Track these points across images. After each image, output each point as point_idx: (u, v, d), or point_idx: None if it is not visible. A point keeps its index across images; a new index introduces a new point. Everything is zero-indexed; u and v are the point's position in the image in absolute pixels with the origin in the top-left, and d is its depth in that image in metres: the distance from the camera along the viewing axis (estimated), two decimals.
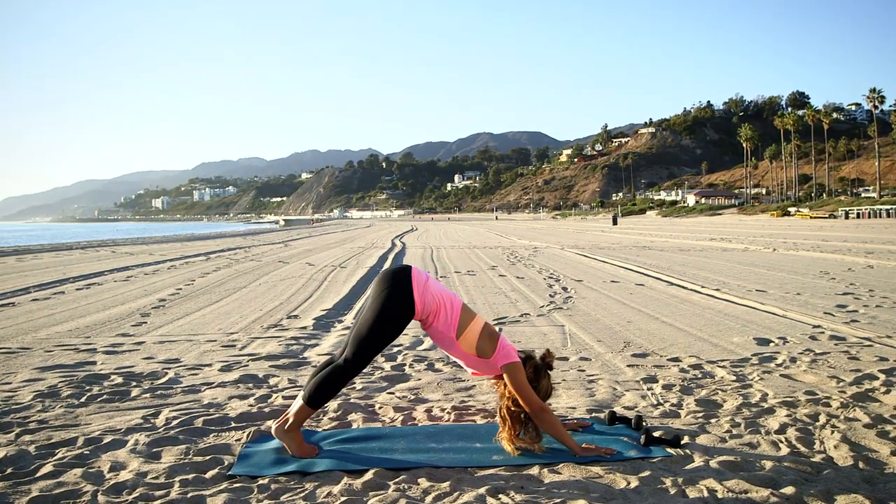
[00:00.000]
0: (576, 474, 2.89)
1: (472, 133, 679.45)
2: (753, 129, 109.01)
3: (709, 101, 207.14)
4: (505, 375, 3.20)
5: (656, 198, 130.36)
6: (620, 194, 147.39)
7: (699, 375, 4.62)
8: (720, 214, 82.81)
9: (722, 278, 10.85)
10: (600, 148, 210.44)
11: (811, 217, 58.63)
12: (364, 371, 4.82)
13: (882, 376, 4.47)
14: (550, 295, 9.10)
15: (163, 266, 14.51)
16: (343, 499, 2.67)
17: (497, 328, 3.47)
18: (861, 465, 2.95)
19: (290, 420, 3.20)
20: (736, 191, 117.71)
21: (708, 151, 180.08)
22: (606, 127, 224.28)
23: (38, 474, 2.92)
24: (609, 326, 6.62)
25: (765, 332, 6.20)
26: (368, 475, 2.87)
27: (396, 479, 2.84)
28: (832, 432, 3.36)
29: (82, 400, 4.11)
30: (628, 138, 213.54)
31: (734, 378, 4.51)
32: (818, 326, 6.42)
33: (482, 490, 2.71)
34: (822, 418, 3.59)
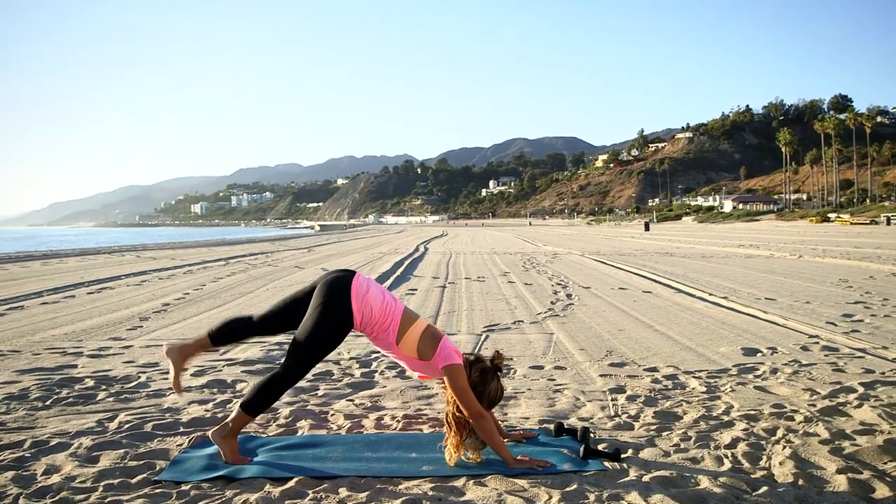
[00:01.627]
0: (500, 487, 2.84)
1: (508, 138, 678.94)
2: (793, 133, 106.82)
3: (748, 106, 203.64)
4: (445, 378, 3.15)
5: (693, 203, 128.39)
6: (656, 200, 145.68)
7: (670, 386, 4.51)
8: (757, 220, 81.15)
9: (734, 286, 10.62)
10: (636, 153, 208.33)
11: (851, 223, 57.14)
12: (332, 377, 4.85)
13: (860, 389, 4.31)
14: (552, 302, 9.00)
15: (179, 271, 14.73)
16: None
17: (443, 330, 3.39)
18: (801, 482, 2.84)
19: (229, 426, 3.20)
20: (775, 196, 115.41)
21: (747, 156, 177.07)
22: (643, 132, 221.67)
23: None
24: (599, 335, 6.52)
25: (757, 341, 6.04)
26: (291, 483, 2.86)
27: (317, 488, 2.82)
28: (783, 448, 3.24)
29: (47, 403, 4.17)
30: (665, 143, 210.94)
31: (704, 389, 4.39)
32: (814, 336, 6.24)
33: (398, 502, 2.67)
34: (780, 433, 3.47)
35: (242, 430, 3.54)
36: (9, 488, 2.83)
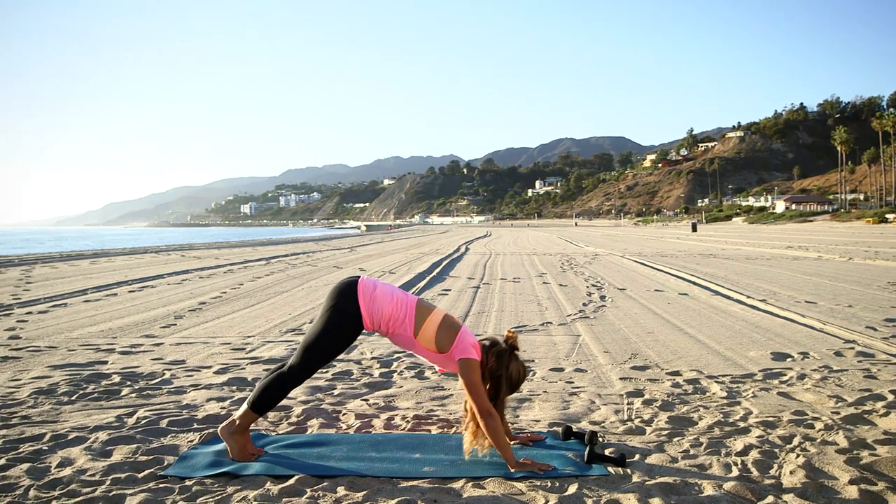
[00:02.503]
0: (498, 490, 2.82)
1: (554, 138, 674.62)
2: (850, 131, 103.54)
3: (801, 104, 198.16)
4: (459, 371, 3.14)
5: (744, 204, 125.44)
6: (706, 200, 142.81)
7: (690, 391, 4.41)
8: (811, 221, 78.83)
9: (775, 288, 10.34)
10: (685, 153, 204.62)
11: None
12: (351, 376, 4.88)
13: (890, 397, 4.15)
14: (584, 304, 8.90)
15: (220, 270, 15.03)
16: (254, 503, 2.68)
17: (461, 320, 3.38)
18: (809, 492, 2.74)
19: (236, 423, 3.25)
20: (830, 197, 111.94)
21: (800, 155, 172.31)
22: (692, 131, 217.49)
23: None
24: (626, 337, 6.42)
25: (789, 346, 5.87)
26: (291, 481, 2.88)
27: (316, 487, 2.84)
28: (797, 456, 3.14)
29: (73, 398, 4.30)
30: (715, 142, 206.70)
31: (725, 395, 4.29)
32: (851, 342, 6.03)
33: (393, 502, 2.68)
34: (796, 441, 3.37)
35: (253, 428, 3.61)
36: (22, 480, 2.92)
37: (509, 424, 3.70)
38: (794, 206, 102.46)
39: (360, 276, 3.38)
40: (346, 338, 3.29)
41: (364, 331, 3.35)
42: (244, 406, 3.27)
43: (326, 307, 3.28)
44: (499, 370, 3.17)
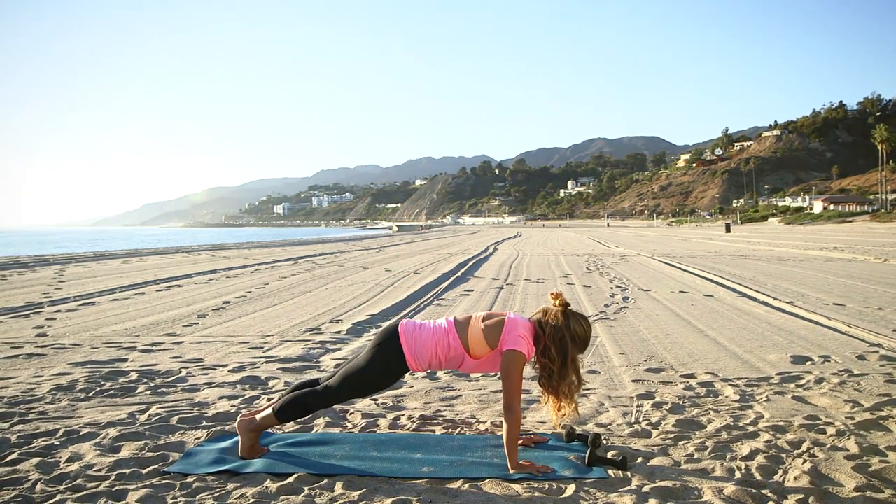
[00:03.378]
0: (494, 490, 2.81)
1: (587, 138, 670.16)
2: (891, 129, 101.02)
3: (841, 101, 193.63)
4: (502, 360, 3.12)
5: (780, 204, 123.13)
6: (741, 200, 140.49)
7: (702, 394, 4.35)
8: (849, 222, 77.08)
9: (803, 290, 10.14)
10: (720, 152, 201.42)
11: None
12: None
13: None
14: (606, 305, 8.83)
15: (248, 270, 15.22)
16: (252, 500, 2.72)
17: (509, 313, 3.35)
18: (811, 499, 2.69)
19: (256, 421, 3.27)
20: (871, 196, 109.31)
21: (839, 155, 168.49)
22: (727, 130, 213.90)
23: (2, 461, 3.15)
24: (644, 339, 6.35)
25: (811, 349, 5.76)
26: (290, 479, 2.91)
27: (314, 485, 2.86)
28: (804, 462, 3.08)
29: (90, 395, 4.39)
30: (751, 142, 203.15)
31: (738, 398, 4.22)
32: (876, 345, 5.90)
33: (388, 501, 2.69)
34: (805, 446, 3.30)
35: None
36: (31, 474, 3.00)
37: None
38: (832, 207, 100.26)
39: (397, 324, 3.33)
40: (388, 380, 3.30)
41: (412, 372, 3.38)
42: (268, 410, 3.29)
43: (372, 344, 3.30)
44: (561, 332, 3.14)
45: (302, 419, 3.61)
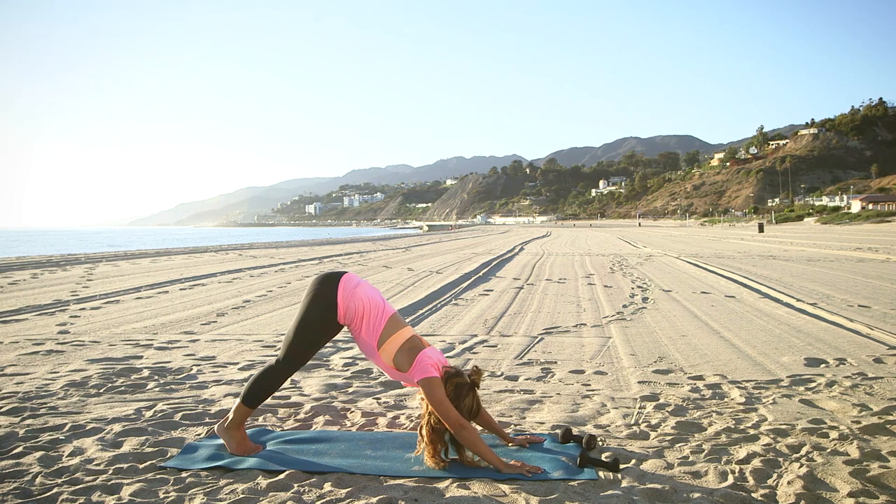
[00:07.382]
0: (481, 490, 2.82)
1: (619, 137, 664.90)
2: None
3: (881, 98, 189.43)
4: (421, 390, 3.13)
5: (817, 204, 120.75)
6: (776, 200, 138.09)
7: (707, 396, 4.30)
8: (888, 222, 75.30)
9: (829, 291, 9.95)
10: (755, 151, 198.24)
11: None
12: (370, 374, 4.94)
13: None
14: (624, 305, 8.76)
15: (272, 269, 15.39)
16: (241, 496, 2.76)
17: (429, 342, 3.34)
18: (802, 503, 2.65)
19: (230, 418, 3.33)
20: None
21: (879, 153, 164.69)
22: (762, 129, 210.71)
23: (8, 454, 3.24)
24: (657, 340, 6.29)
25: (827, 351, 5.65)
26: (282, 476, 2.95)
27: (304, 482, 2.89)
28: (800, 466, 3.03)
29: (101, 391, 4.49)
30: (787, 140, 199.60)
31: (743, 400, 4.16)
32: (895, 347, 5.76)
33: (374, 499, 2.71)
34: (804, 450, 3.25)
35: (259, 424, 3.71)
36: (32, 467, 3.08)
37: (511, 427, 3.70)
38: (870, 206, 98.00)
39: (343, 271, 3.40)
40: (323, 327, 3.29)
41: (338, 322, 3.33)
42: (237, 401, 3.35)
43: (305, 297, 3.33)
44: (454, 401, 3.09)
45: (272, 397, 3.65)
